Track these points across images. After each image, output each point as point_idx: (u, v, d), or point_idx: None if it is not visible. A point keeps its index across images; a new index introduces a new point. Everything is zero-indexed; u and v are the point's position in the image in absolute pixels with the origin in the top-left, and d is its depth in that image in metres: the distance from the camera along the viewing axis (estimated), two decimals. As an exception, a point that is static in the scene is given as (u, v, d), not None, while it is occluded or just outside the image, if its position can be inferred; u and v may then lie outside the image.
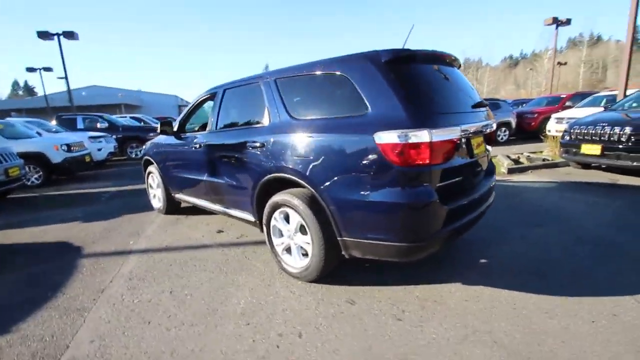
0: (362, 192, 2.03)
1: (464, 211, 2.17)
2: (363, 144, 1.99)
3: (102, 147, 9.40)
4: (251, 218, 3.00)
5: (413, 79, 2.06)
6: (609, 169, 5.87)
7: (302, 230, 2.47)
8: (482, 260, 2.79)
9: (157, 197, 4.69)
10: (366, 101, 2.04)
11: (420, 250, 2.01)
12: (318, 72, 2.37)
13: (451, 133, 2.03)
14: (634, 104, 5.99)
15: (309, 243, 2.42)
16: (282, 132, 2.47)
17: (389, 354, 1.78)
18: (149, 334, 2.05)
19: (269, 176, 2.57)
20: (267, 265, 2.89)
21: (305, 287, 2.49)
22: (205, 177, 3.41)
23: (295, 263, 2.57)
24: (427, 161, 1.90)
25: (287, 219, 2.59)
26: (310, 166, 2.24)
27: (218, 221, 4.18)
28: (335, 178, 2.13)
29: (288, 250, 2.66)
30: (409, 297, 2.29)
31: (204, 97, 3.66)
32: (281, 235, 2.69)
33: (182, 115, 3.94)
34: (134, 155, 11.87)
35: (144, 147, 4.98)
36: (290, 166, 2.36)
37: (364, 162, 2.00)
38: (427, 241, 1.98)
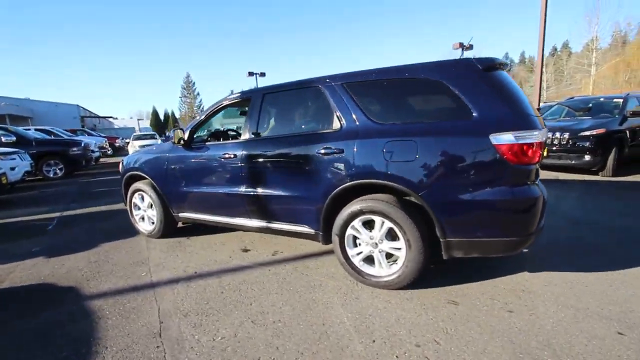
0: (474, 192, 2.10)
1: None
2: (478, 146, 2.07)
3: (17, 166, 7.57)
4: (308, 230, 2.80)
5: (505, 84, 2.23)
6: (548, 167, 7.10)
7: (389, 236, 2.42)
8: (524, 250, 3.11)
9: (146, 218, 4.00)
10: (470, 106, 2.13)
11: (526, 243, 2.16)
12: (404, 78, 2.38)
13: (546, 133, 2.25)
14: (556, 116, 7.42)
15: (399, 249, 2.38)
16: (366, 136, 2.40)
17: (532, 343, 1.86)
18: (273, 373, 1.75)
19: (350, 183, 2.45)
20: (335, 278, 2.73)
21: (395, 295, 2.43)
22: (241, 190, 3.06)
23: (382, 272, 2.48)
24: (535, 159, 2.07)
25: (367, 226, 2.50)
26: (411, 170, 2.23)
27: (231, 239, 3.77)
28: (442, 180, 2.16)
29: (366, 259, 2.56)
30: (499, 291, 2.43)
31: (228, 103, 3.31)
32: (355, 245, 2.59)
33: (193, 124, 3.48)
34: (52, 175, 9.85)
35: (123, 161, 4.22)
36: (385, 171, 2.30)
37: (478, 162, 2.08)
38: (534, 234, 2.14)
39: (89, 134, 19.52)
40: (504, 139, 2.02)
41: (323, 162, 2.58)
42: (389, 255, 2.50)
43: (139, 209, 4.05)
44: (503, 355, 1.79)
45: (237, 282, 2.78)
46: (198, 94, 76.20)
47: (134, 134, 19.41)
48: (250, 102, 3.11)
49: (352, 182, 2.45)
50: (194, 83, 75.58)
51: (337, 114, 2.58)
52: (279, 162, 2.83)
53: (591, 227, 3.57)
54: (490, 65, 2.21)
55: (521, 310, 2.17)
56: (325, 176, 2.57)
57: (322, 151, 2.56)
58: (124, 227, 4.48)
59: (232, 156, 3.06)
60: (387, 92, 2.48)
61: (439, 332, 1.99)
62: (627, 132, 6.03)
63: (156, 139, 18.28)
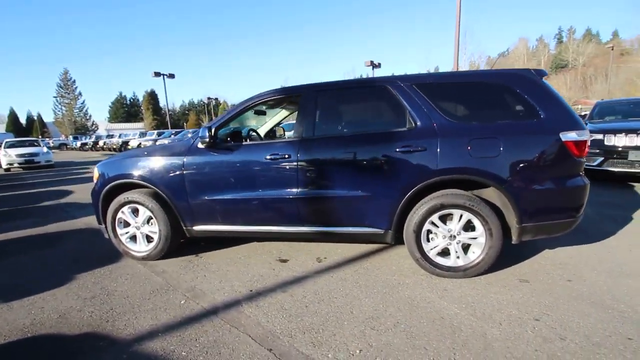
0: (547, 181, 2.46)
1: None
2: (550, 142, 2.43)
3: None
4: (375, 231, 2.77)
5: (554, 90, 2.67)
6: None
7: (466, 228, 2.60)
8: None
9: (140, 237, 3.24)
10: (537, 108, 2.50)
11: (577, 222, 2.61)
12: (475, 82, 2.63)
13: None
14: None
15: (475, 238, 2.59)
16: (448, 135, 2.53)
17: (606, 300, 2.27)
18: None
19: (433, 179, 2.54)
20: (406, 275, 2.75)
21: (472, 282, 2.60)
22: (295, 194, 2.80)
23: (459, 262, 2.63)
24: (585, 154, 2.55)
25: (443, 220, 2.63)
26: (495, 164, 2.46)
27: (252, 252, 3.38)
28: (522, 172, 2.45)
29: (444, 253, 2.68)
30: (546, 266, 2.83)
31: (266, 100, 3.00)
32: (428, 240, 2.68)
33: (218, 122, 3.01)
34: None
35: (98, 169, 3.34)
36: (472, 166, 2.47)
37: (550, 156, 2.45)
38: (582, 214, 2.62)
39: None
40: (570, 136, 2.43)
41: (401, 161, 2.60)
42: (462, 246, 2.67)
43: (127, 226, 3.26)
44: (599, 312, 2.13)
45: (310, 292, 2.53)
46: (80, 93, 63.59)
47: (6, 140, 14.92)
48: (301, 99, 2.89)
49: (435, 179, 2.55)
50: (74, 81, 62.69)
51: (410, 113, 2.65)
52: (348, 162, 2.72)
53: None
54: (543, 75, 2.64)
55: (576, 278, 2.61)
56: (404, 174, 2.60)
57: (401, 149, 2.59)
58: (91, 252, 3.56)
59: (284, 157, 2.78)
60: (460, 94, 2.68)
61: (539, 306, 2.25)
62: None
63: (39, 145, 14.49)
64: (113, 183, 3.20)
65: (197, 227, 3.14)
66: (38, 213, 5.66)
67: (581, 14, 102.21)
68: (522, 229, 2.54)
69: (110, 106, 75.61)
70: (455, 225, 2.61)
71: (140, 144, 21.59)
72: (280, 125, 4.60)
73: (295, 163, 2.78)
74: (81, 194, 7.30)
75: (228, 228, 3.07)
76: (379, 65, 25.45)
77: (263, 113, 3.93)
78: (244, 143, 3.01)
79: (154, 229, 3.18)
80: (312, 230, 2.89)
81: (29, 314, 2.40)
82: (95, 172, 3.36)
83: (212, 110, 64.75)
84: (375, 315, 2.21)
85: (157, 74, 25.85)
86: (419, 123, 2.63)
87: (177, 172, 3.03)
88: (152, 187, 3.09)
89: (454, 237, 2.63)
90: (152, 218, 3.17)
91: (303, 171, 2.78)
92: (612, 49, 34.27)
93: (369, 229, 2.78)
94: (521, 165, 2.46)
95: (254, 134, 3.99)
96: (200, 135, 2.87)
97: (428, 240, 2.69)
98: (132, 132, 30.02)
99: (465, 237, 2.61)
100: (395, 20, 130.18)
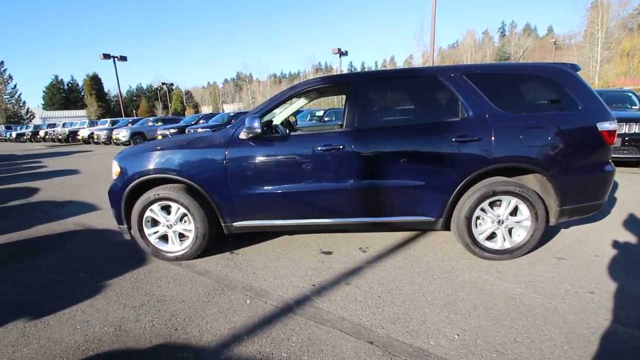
0: (586, 167, 2.69)
1: None
2: (589, 131, 2.65)
3: None
4: (426, 219, 2.85)
5: (586, 83, 2.90)
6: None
7: (513, 212, 2.77)
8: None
9: (172, 236, 3.01)
10: (576, 99, 2.70)
11: (604, 205, 2.90)
12: (523, 74, 2.76)
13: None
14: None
15: (520, 222, 2.77)
16: (501, 124, 2.65)
17: (630, 266, 2.59)
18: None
19: (486, 168, 2.66)
20: (454, 260, 2.87)
21: (517, 263, 2.79)
22: (348, 185, 2.76)
23: (505, 245, 2.80)
24: (614, 141, 2.81)
25: (491, 206, 2.78)
26: (543, 152, 2.63)
27: (288, 245, 3.32)
28: (566, 159, 2.66)
29: (490, 237, 2.83)
30: (573, 244, 3.12)
31: (314, 87, 2.89)
32: (477, 225, 2.82)
33: (262, 110, 2.85)
34: None
35: (118, 162, 3.00)
36: (524, 155, 2.62)
37: (589, 144, 2.68)
38: (607, 196, 2.91)
39: None
40: (605, 126, 2.67)
41: (456, 150, 2.68)
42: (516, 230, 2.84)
43: (156, 225, 3.01)
44: (632, 276, 2.43)
45: (374, 283, 2.56)
46: (11, 77, 54.97)
47: None
48: (350, 88, 2.83)
49: (489, 167, 2.67)
50: (1, 62, 54.25)
51: (462, 103, 2.72)
52: (403, 152, 2.74)
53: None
54: (578, 69, 2.85)
55: (602, 254, 2.92)
56: (459, 163, 2.69)
57: (457, 139, 2.66)
58: (104, 256, 3.26)
59: (338, 148, 2.73)
60: (508, 85, 2.80)
61: (586, 281, 2.49)
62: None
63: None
64: (141, 179, 2.90)
65: (238, 223, 2.98)
66: (9, 215, 4.98)
67: (522, 9, 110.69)
68: (561, 212, 2.76)
69: (44, 92, 67.11)
70: (503, 210, 2.76)
71: (92, 134, 19.69)
72: (294, 115, 4.47)
73: (349, 154, 2.74)
74: (51, 191, 6.53)
75: (274, 222, 2.96)
76: (345, 53, 25.49)
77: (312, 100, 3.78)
78: (292, 134, 2.88)
79: (189, 227, 2.97)
80: (363, 221, 2.89)
81: (76, 330, 2.14)
82: (115, 166, 3.02)
83: (166, 96, 60.77)
84: (451, 300, 2.30)
85: (107, 56, 23.47)
86: (471, 113, 2.71)
87: (218, 166, 2.83)
88: (188, 181, 2.86)
89: (502, 221, 2.79)
90: (186, 215, 2.95)
91: (358, 162, 2.75)
92: (555, 43, 37.71)
93: (420, 218, 2.85)
94: (565, 152, 2.66)
95: (281, 125, 3.84)
96: (247, 125, 2.70)
97: (476, 226, 2.83)
98: (80, 121, 27.15)
99: (512, 221, 2.79)
100: (356, 9, 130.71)
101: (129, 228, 3.04)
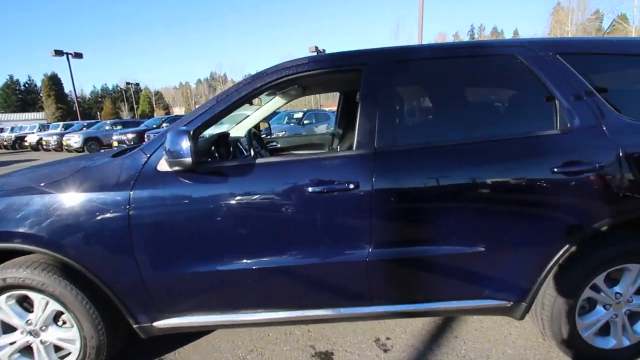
0: None
1: None
2: None
3: None
4: (498, 303, 1.63)
5: None
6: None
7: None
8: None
9: (41, 351, 1.63)
10: None
11: None
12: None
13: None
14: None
15: (651, 304, 1.62)
16: (632, 143, 1.48)
17: None
18: None
19: (617, 218, 1.48)
20: (522, 348, 1.70)
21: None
22: (365, 255, 1.50)
23: (623, 343, 1.65)
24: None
25: (608, 281, 1.61)
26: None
27: (261, 337, 2.02)
28: None
29: (602, 331, 1.67)
30: None
31: (284, 78, 1.59)
32: (579, 312, 1.65)
33: (198, 118, 1.54)
34: None
35: None
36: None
37: None
38: None
39: None
40: None
41: (557, 188, 1.48)
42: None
43: (10, 332, 1.63)
44: None
45: None
46: None
47: None
48: (364, 76, 1.56)
49: (616, 218, 1.48)
50: None
51: (561, 103, 1.53)
52: (459, 193, 1.50)
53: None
54: None
55: None
56: (563, 210, 1.50)
57: (561, 169, 1.46)
58: None
59: (347, 186, 1.45)
60: (630, 72, 1.63)
61: None
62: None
63: None
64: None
65: (162, 322, 1.64)
66: None
67: (489, 13, 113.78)
68: None
69: (-3, 93, 61.55)
70: (627, 286, 1.60)
71: (41, 139, 17.32)
72: (267, 120, 3.18)
73: (368, 198, 1.47)
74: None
75: (229, 318, 1.65)
76: (323, 52, 24.41)
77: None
78: (258, 161, 1.56)
79: (69, 335, 1.61)
80: (389, 311, 1.64)
81: None
82: None
83: (132, 98, 57.06)
84: None
85: (59, 53, 20.98)
86: (576, 121, 1.52)
87: (114, 223, 1.48)
88: (57, 254, 1.50)
89: (620, 304, 1.63)
90: (62, 314, 1.59)
91: (383, 212, 1.49)
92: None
93: (488, 302, 1.63)
94: None
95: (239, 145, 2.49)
96: (169, 148, 1.37)
97: (578, 314, 1.65)
98: (30, 125, 24.26)
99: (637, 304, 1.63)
100: (331, 6, 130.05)
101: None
